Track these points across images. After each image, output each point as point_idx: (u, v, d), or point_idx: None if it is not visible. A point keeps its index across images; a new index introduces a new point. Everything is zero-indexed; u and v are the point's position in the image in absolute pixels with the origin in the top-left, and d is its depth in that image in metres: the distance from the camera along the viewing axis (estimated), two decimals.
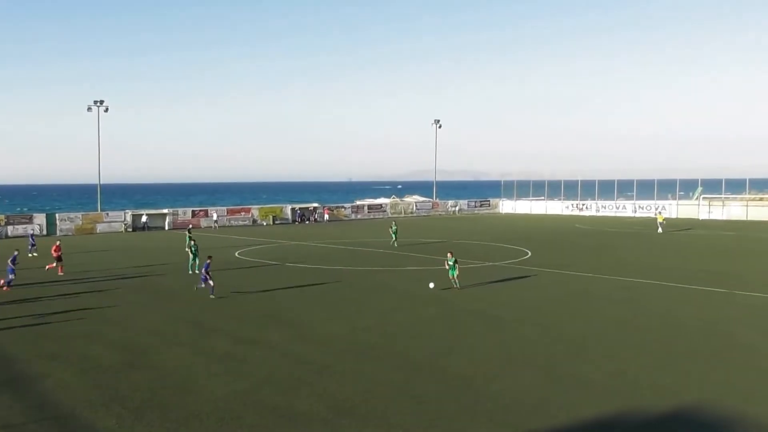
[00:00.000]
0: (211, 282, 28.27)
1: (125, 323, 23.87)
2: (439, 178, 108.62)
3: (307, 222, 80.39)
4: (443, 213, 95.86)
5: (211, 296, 28.11)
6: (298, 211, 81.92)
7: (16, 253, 32.47)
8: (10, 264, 31.34)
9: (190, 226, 61.60)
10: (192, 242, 36.71)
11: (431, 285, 29.44)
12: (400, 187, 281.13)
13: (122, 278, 34.15)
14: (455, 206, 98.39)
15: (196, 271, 34.14)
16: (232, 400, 15.59)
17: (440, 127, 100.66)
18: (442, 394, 16.12)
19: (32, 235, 48.06)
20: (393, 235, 50.13)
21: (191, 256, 35.83)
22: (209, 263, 28.78)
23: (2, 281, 30.52)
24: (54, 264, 35.40)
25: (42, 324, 23.75)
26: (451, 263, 29.97)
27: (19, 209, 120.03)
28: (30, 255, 43.92)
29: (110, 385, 16.68)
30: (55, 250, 35.87)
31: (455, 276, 29.98)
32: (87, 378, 17.31)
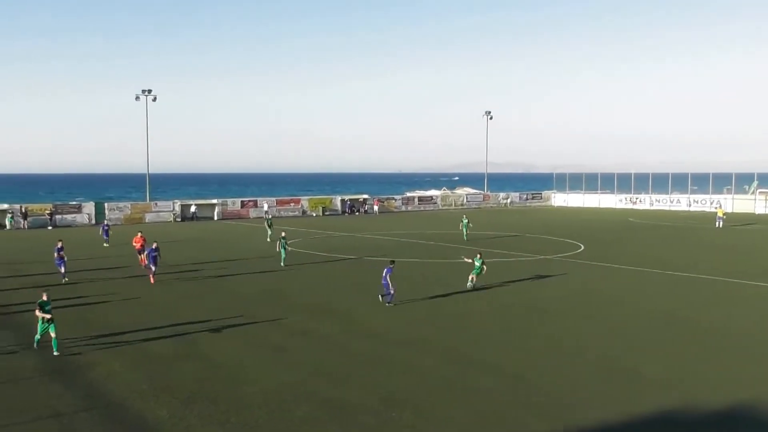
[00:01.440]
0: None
1: (176, 313, 24.15)
2: (490, 171, 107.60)
3: (357, 213, 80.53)
4: (494, 205, 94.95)
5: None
6: (348, 202, 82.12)
7: (59, 244, 31.72)
8: (56, 256, 31.14)
9: (269, 216, 58.70)
10: (283, 240, 35.66)
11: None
12: (456, 179, 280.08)
13: (173, 268, 34.64)
14: (506, 199, 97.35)
15: (282, 265, 34.53)
16: (283, 392, 15.57)
17: (491, 118, 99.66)
18: (493, 387, 15.94)
19: (106, 226, 48.28)
20: (464, 229, 48.82)
21: (282, 251, 35.19)
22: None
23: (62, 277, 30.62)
24: (142, 257, 34.28)
25: (92, 312, 24.21)
26: (478, 263, 28.88)
27: (75, 200, 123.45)
28: (105, 245, 44.77)
29: (161, 375, 16.85)
30: (136, 241, 35.33)
31: (475, 276, 28.58)
32: (137, 367, 17.53)
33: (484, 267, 28.71)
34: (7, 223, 61.32)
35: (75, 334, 20.80)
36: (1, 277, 32.27)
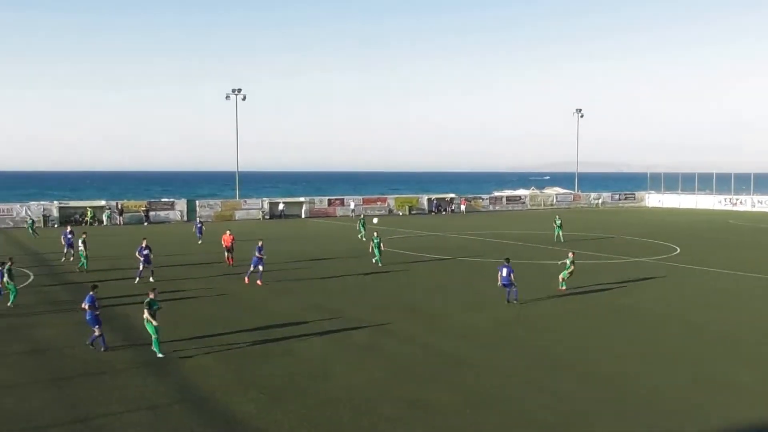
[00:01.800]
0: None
1: (265, 310, 24.72)
2: (581, 170, 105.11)
3: (444, 213, 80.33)
4: (585, 205, 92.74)
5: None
6: (435, 202, 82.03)
7: (144, 243, 31.89)
8: (140, 255, 31.50)
9: (362, 216, 57.82)
10: (377, 240, 35.70)
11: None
12: (547, 178, 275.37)
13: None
14: (598, 199, 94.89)
15: (379, 264, 34.88)
16: (368, 390, 15.68)
17: (582, 116, 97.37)
18: (583, 390, 15.59)
19: (199, 223, 49.88)
20: (557, 230, 47.46)
21: (376, 251, 35.32)
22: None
23: (141, 273, 31.17)
24: (228, 256, 35.24)
25: (185, 308, 25.10)
26: (568, 262, 28.14)
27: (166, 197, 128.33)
28: (199, 243, 46.46)
29: (249, 370, 17.27)
30: (225, 240, 35.66)
31: (565, 277, 27.92)
32: (227, 362, 18.03)
33: (573, 267, 28.00)
34: (105, 219, 64.43)
35: (168, 328, 21.60)
36: (101, 270, 33.84)
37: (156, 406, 14.79)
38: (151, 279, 30.55)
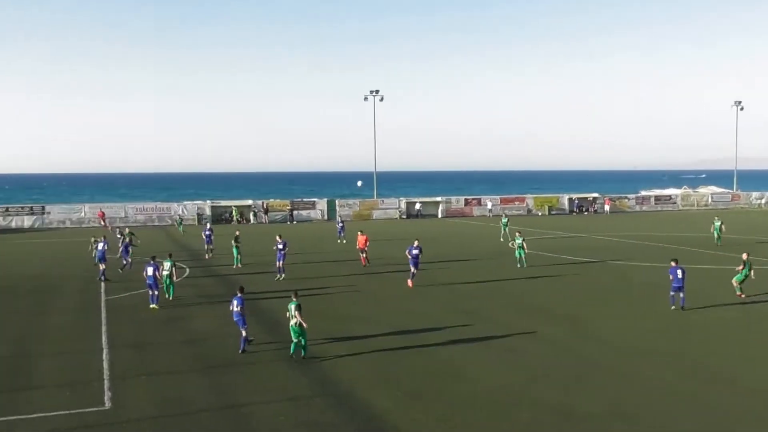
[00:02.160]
0: None
1: (403, 308, 25.17)
2: (743, 167, 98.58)
3: (586, 213, 78.08)
4: (746, 206, 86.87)
5: None
6: (576, 201, 79.90)
7: (282, 241, 32.78)
8: (279, 250, 32.46)
9: (505, 217, 56.38)
10: (519, 239, 35.36)
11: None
12: (703, 176, 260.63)
13: (401, 266, 36.09)
14: (761, 198, 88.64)
15: (524, 266, 34.60)
16: (506, 393, 15.62)
17: (742, 109, 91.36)
18: (736, 406, 14.69)
19: (341, 222, 51.47)
20: (716, 232, 44.69)
21: (520, 252, 35.01)
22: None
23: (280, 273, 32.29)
24: (363, 256, 35.99)
25: (324, 304, 25.97)
26: (744, 270, 26.17)
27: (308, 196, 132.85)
28: (339, 241, 47.91)
29: (386, 368, 17.68)
30: (359, 242, 36.19)
31: (739, 282, 26.17)
32: (365, 358, 18.54)
33: (748, 270, 26.07)
34: (251, 217, 67.92)
35: (308, 323, 22.45)
36: (248, 265, 35.70)
37: (297, 398, 15.48)
38: (282, 276, 31.80)
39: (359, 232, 37.15)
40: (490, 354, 18.89)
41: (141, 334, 21.44)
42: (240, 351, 19.00)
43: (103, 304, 26.45)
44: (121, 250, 35.80)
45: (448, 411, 14.58)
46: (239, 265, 35.71)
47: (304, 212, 70.85)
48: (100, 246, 32.58)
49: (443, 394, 15.65)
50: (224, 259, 38.38)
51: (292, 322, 18.14)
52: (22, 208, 66.61)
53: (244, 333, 19.15)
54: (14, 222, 63.51)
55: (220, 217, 68.10)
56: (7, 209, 65.31)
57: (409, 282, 29.59)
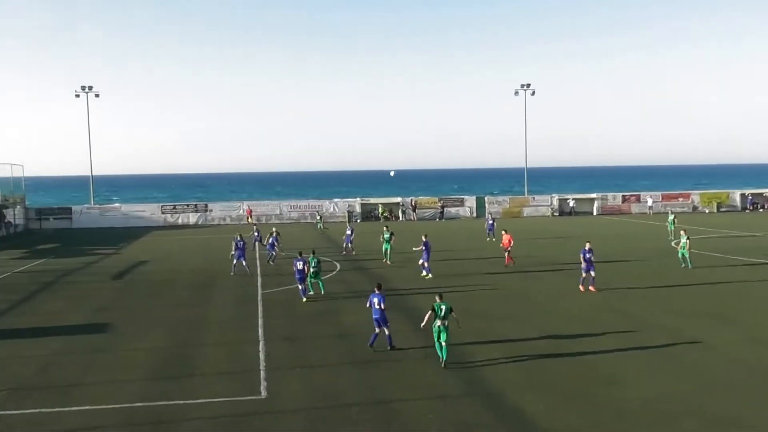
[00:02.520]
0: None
1: (554, 309, 24.62)
2: None
3: (761, 210, 72.71)
4: None
5: None
6: (750, 198, 74.59)
7: (425, 241, 32.99)
8: (424, 249, 32.70)
9: (672, 215, 54.20)
10: (686, 238, 33.92)
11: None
12: None
13: (554, 264, 35.22)
14: None
15: (688, 266, 33.18)
16: (668, 402, 14.85)
17: None
18: None
19: (491, 220, 51.09)
20: None
21: (683, 252, 33.64)
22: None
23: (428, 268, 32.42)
24: (507, 255, 35.64)
25: (471, 302, 25.87)
26: None
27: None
28: (488, 239, 47.75)
29: (538, 370, 17.34)
30: (504, 241, 35.92)
31: None
32: (515, 360, 18.27)
33: None
34: (400, 215, 69.01)
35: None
36: (397, 261, 36.28)
37: (446, 396, 15.51)
38: (428, 274, 31.95)
39: (503, 231, 36.67)
40: (651, 361, 18.01)
41: (294, 328, 22.35)
42: (388, 347, 19.22)
43: (259, 297, 27.82)
44: (267, 245, 38.06)
45: (604, 417, 14.07)
46: (388, 261, 36.41)
47: (452, 209, 71.02)
48: (239, 243, 34.29)
49: (599, 399, 15.12)
50: (373, 255, 39.21)
51: (438, 323, 17.68)
52: (188, 206, 71.34)
53: (386, 331, 19.30)
54: (180, 219, 68.48)
55: (369, 214, 69.87)
56: (174, 207, 70.45)
57: (591, 288, 27.94)
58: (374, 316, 19.40)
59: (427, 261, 32.30)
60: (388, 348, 19.19)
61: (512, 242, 35.55)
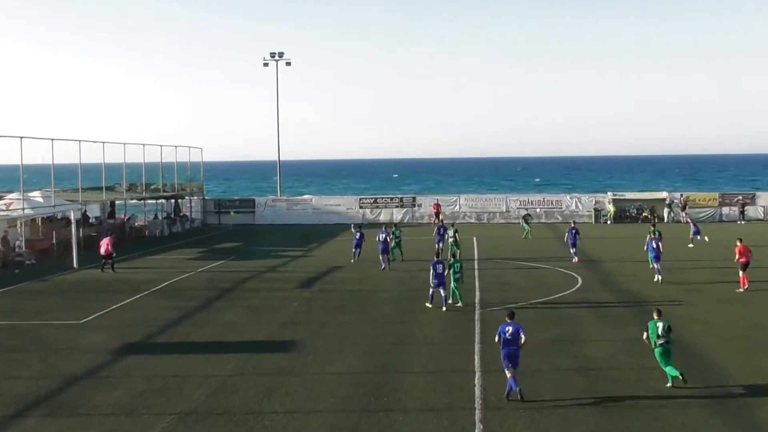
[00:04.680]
0: None
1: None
2: None
3: None
4: None
5: None
6: None
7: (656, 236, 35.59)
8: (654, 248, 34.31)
9: None
10: None
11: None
12: None
13: None
14: None
15: None
16: None
17: None
18: None
19: None
20: None
21: None
22: None
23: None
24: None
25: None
26: None
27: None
28: None
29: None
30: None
31: None
32: None
33: None
34: (665, 215, 66.11)
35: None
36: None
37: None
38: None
39: (738, 241, 33.88)
40: None
41: (521, 356, 22.21)
42: (511, 394, 18.29)
43: (477, 315, 28.09)
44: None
45: None
46: (659, 277, 35.02)
47: (729, 209, 66.55)
48: (382, 236, 39.55)
49: None
50: (624, 268, 38.33)
51: (661, 341, 18.66)
52: (392, 198, 72.98)
53: (508, 374, 18.45)
54: (383, 215, 69.29)
55: (624, 212, 67.47)
56: (375, 200, 72.33)
57: None
58: (503, 352, 18.67)
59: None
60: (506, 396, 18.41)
61: (744, 253, 32.81)
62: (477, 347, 23.45)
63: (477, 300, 31.09)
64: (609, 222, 65.86)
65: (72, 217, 46.17)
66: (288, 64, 78.21)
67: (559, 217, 67.19)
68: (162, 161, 64.57)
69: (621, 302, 30.46)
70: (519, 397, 18.02)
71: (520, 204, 69.03)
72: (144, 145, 62.21)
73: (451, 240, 42.46)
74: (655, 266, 34.72)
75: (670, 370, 18.70)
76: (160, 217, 65.97)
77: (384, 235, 39.67)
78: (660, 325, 18.87)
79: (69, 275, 40.11)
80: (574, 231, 41.95)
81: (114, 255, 41.22)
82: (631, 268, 38.02)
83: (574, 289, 33.42)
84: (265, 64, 78.24)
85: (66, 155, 49.32)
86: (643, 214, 66.44)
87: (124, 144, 59.26)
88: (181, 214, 67.79)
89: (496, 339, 18.99)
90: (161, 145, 64.63)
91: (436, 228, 48.02)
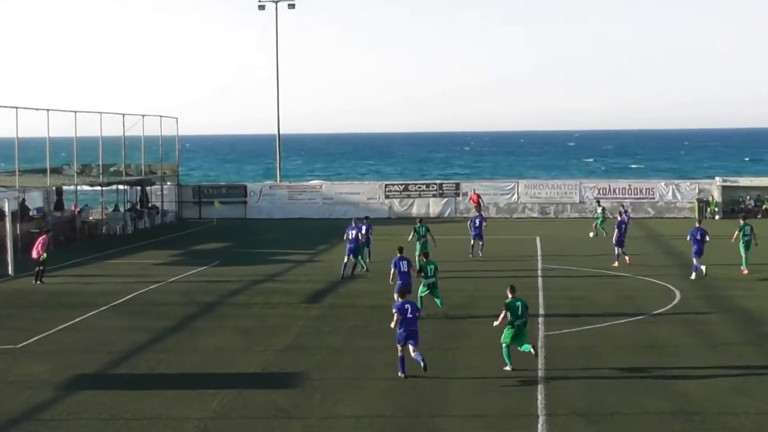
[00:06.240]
0: None
1: None
2: None
3: None
4: None
5: None
6: None
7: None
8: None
9: None
10: None
11: None
12: None
13: None
14: None
15: None
16: None
17: None
18: None
19: None
20: None
21: None
22: None
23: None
24: None
25: None
26: None
27: None
28: None
29: None
30: None
31: None
32: None
33: None
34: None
35: None
36: None
37: None
38: None
39: None
40: None
41: (595, 394, 22.16)
42: None
43: (540, 342, 27.89)
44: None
45: None
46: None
47: None
48: (353, 233, 40.31)
49: None
50: (738, 279, 38.44)
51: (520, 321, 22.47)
52: (427, 186, 72.46)
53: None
54: (416, 207, 69.45)
55: (737, 204, 66.75)
56: (405, 187, 72.17)
57: None
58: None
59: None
60: None
61: None
62: (540, 385, 23.17)
63: (540, 321, 30.79)
64: (717, 217, 65.04)
65: (6, 209, 44.97)
66: (291, 6, 77.11)
67: (650, 210, 66.64)
68: (125, 135, 63.13)
69: (732, 324, 30.19)
70: None
71: (598, 192, 68.26)
72: (101, 113, 60.15)
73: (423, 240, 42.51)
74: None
75: (526, 348, 23.28)
76: (122, 209, 65.81)
77: (354, 232, 39.42)
78: (519, 304, 23.05)
79: (2, 285, 40.09)
80: (700, 232, 41.06)
81: (44, 259, 39.82)
82: (746, 280, 37.63)
83: (670, 305, 33.25)
84: (261, 7, 77.59)
85: None
86: (764, 207, 65.76)
87: (75, 112, 57.73)
88: (149, 205, 67.62)
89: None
90: (123, 114, 62.99)
91: (470, 221, 48.42)
